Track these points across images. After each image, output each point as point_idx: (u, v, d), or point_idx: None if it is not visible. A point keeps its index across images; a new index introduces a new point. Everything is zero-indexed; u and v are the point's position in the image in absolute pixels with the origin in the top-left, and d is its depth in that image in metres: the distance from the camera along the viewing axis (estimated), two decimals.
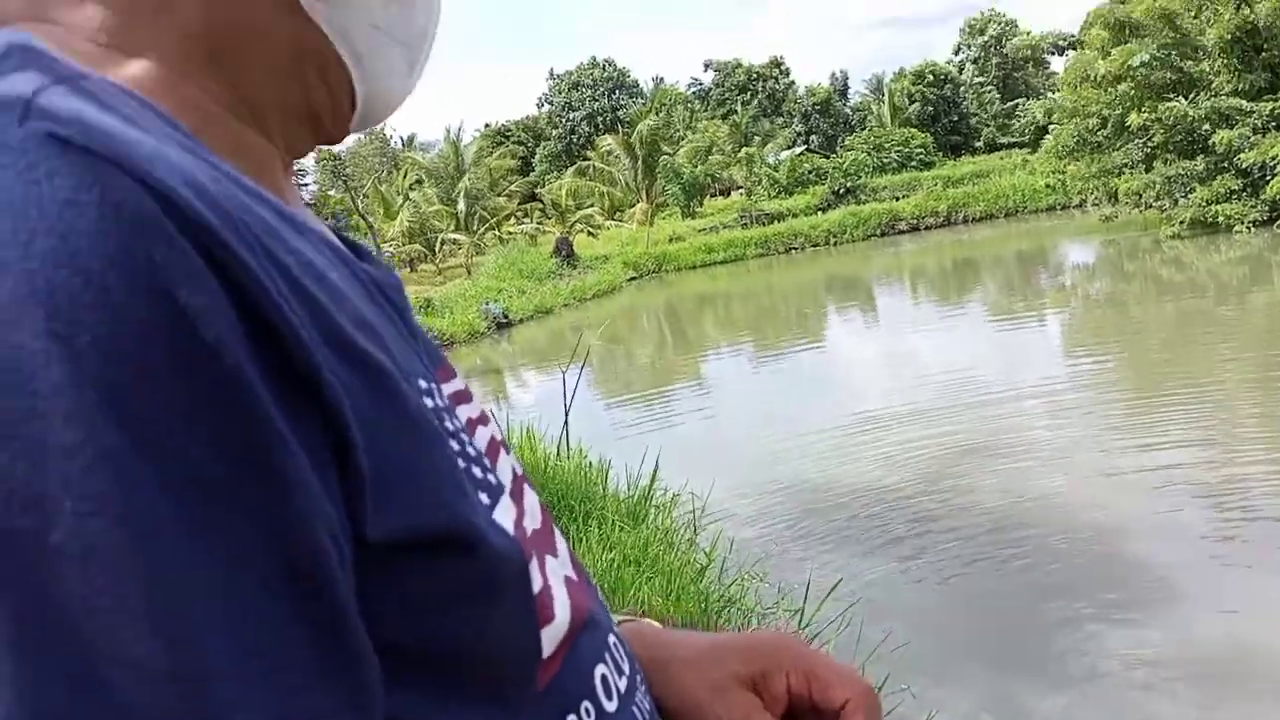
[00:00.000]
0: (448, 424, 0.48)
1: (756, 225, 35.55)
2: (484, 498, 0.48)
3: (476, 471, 0.49)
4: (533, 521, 0.54)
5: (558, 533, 0.59)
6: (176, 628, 0.32)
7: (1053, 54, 25.18)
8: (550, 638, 0.50)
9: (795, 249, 33.55)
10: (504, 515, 0.49)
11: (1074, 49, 24.00)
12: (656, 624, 0.72)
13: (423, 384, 0.47)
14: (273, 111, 0.49)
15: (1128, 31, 21.08)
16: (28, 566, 0.30)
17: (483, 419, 0.56)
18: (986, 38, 59.66)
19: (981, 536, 5.94)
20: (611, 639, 0.58)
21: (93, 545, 0.31)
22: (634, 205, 37.93)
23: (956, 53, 61.30)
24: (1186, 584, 4.97)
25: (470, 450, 0.50)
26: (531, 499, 0.55)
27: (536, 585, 0.50)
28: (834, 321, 18.67)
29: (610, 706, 0.54)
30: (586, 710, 0.52)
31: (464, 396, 0.55)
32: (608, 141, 39.21)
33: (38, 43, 0.43)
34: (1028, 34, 57.22)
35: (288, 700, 0.34)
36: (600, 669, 0.55)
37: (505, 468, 0.54)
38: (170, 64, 0.45)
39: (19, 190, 0.33)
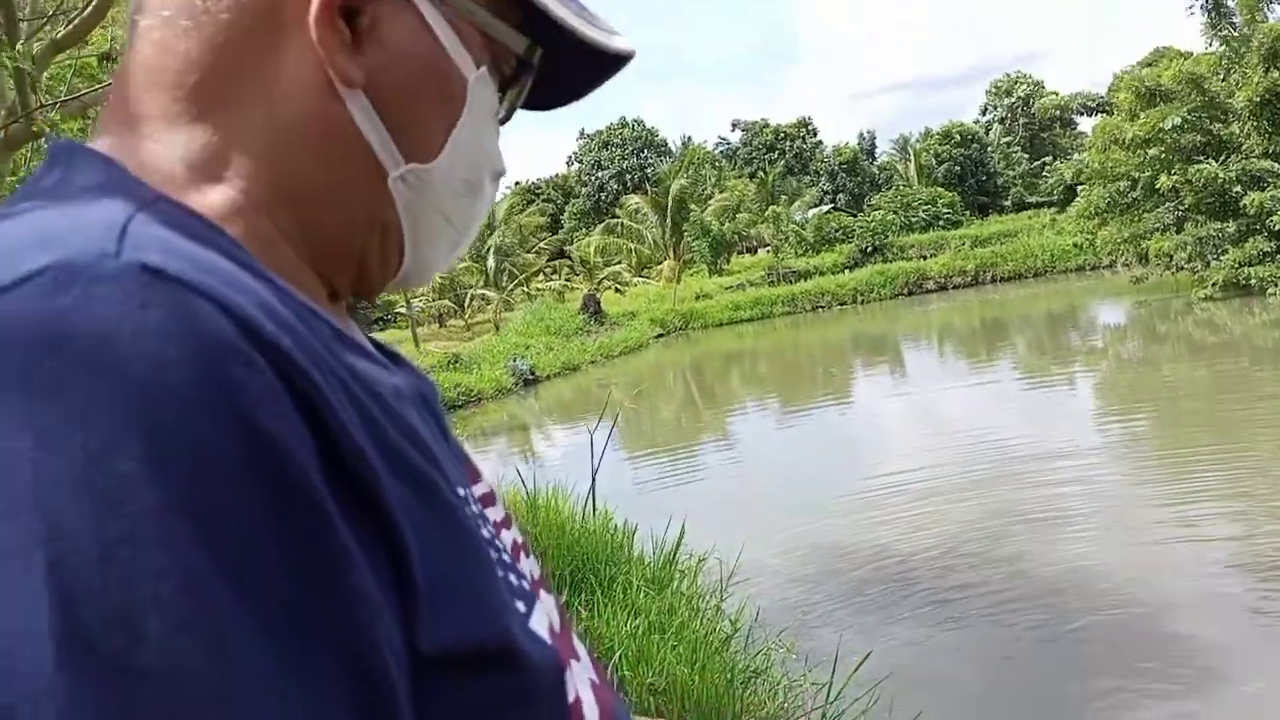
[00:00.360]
0: (484, 531, 0.49)
1: (784, 283, 35.65)
2: (520, 605, 0.49)
3: (512, 579, 0.50)
4: (556, 625, 0.55)
5: (574, 633, 0.59)
6: None
7: (1081, 114, 25.22)
8: None
9: (822, 307, 33.55)
10: (539, 623, 0.50)
11: (1102, 111, 24.02)
12: None
13: (461, 491, 0.49)
14: (330, 258, 0.52)
15: (1157, 98, 21.13)
16: (114, 684, 0.31)
17: (506, 521, 0.57)
18: (1014, 99, 60.03)
19: (1013, 604, 5.81)
20: None
21: (176, 665, 0.32)
22: (662, 262, 38.20)
23: (983, 113, 61.69)
24: (1225, 653, 4.83)
25: (505, 557, 0.51)
26: (550, 602, 0.56)
27: (571, 695, 0.51)
28: (861, 380, 18.58)
29: None
30: None
31: (490, 499, 0.57)
32: (635, 200, 39.64)
33: (121, 161, 0.46)
34: (1055, 95, 57.53)
35: None
36: None
37: (527, 571, 0.55)
38: (249, 196, 0.48)
39: (116, 320, 0.34)
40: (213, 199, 0.47)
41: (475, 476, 0.56)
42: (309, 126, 0.49)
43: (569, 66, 0.60)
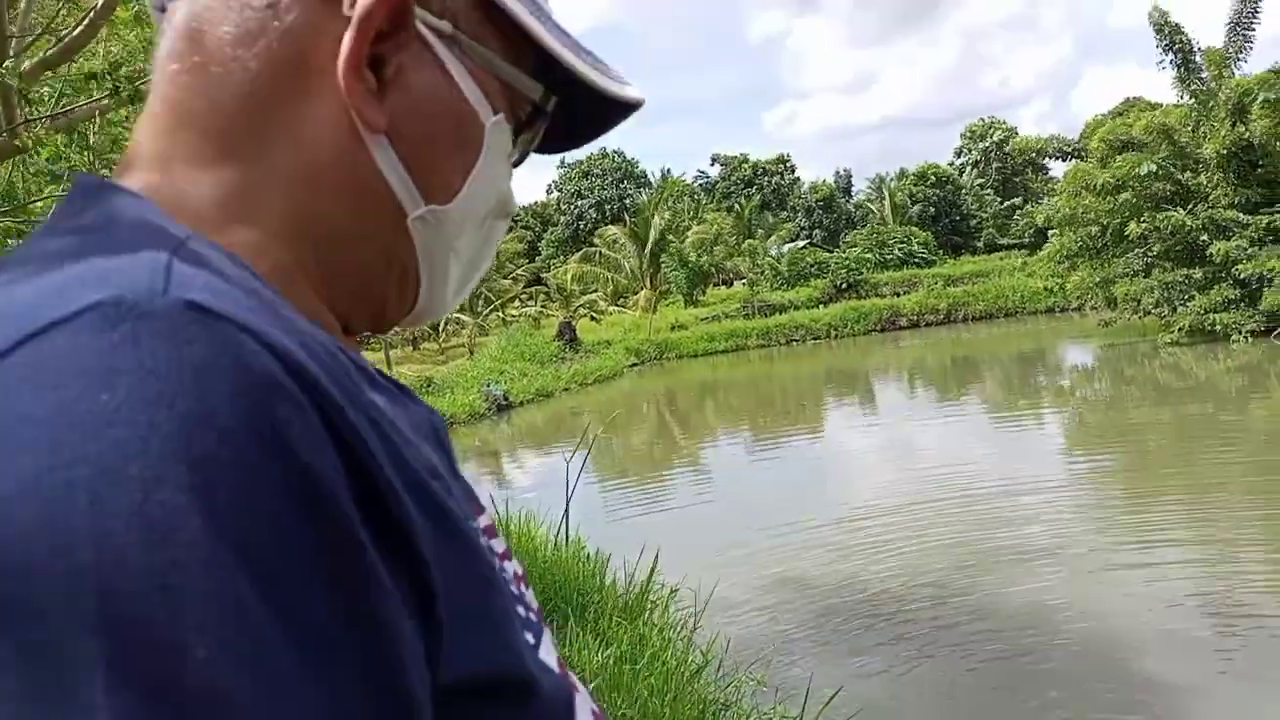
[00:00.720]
0: (494, 563, 0.50)
1: (759, 316, 35.85)
2: (529, 637, 0.50)
3: (520, 610, 0.51)
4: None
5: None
6: None
7: (1055, 158, 25.65)
8: None
9: (796, 341, 33.76)
10: (548, 653, 0.52)
11: (1076, 156, 24.47)
12: None
13: (472, 524, 0.49)
14: (349, 296, 0.54)
15: (1129, 147, 21.62)
16: (161, 708, 0.32)
17: (507, 554, 0.58)
18: (988, 143, 61.06)
19: (976, 636, 5.89)
20: None
21: (222, 691, 0.33)
22: (638, 292, 38.32)
23: (958, 155, 62.68)
24: (1187, 691, 4.92)
25: (513, 589, 0.52)
26: (548, 634, 0.58)
27: None
28: (833, 414, 18.70)
29: None
30: None
31: (492, 531, 0.58)
32: (613, 230, 39.81)
33: (149, 202, 0.47)
34: (1028, 138, 58.54)
35: None
36: None
37: (530, 602, 0.56)
38: (275, 236, 0.50)
39: (163, 355, 0.36)
40: (240, 238, 0.48)
41: (479, 509, 0.57)
42: (333, 169, 0.51)
43: (580, 113, 0.62)
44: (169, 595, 0.33)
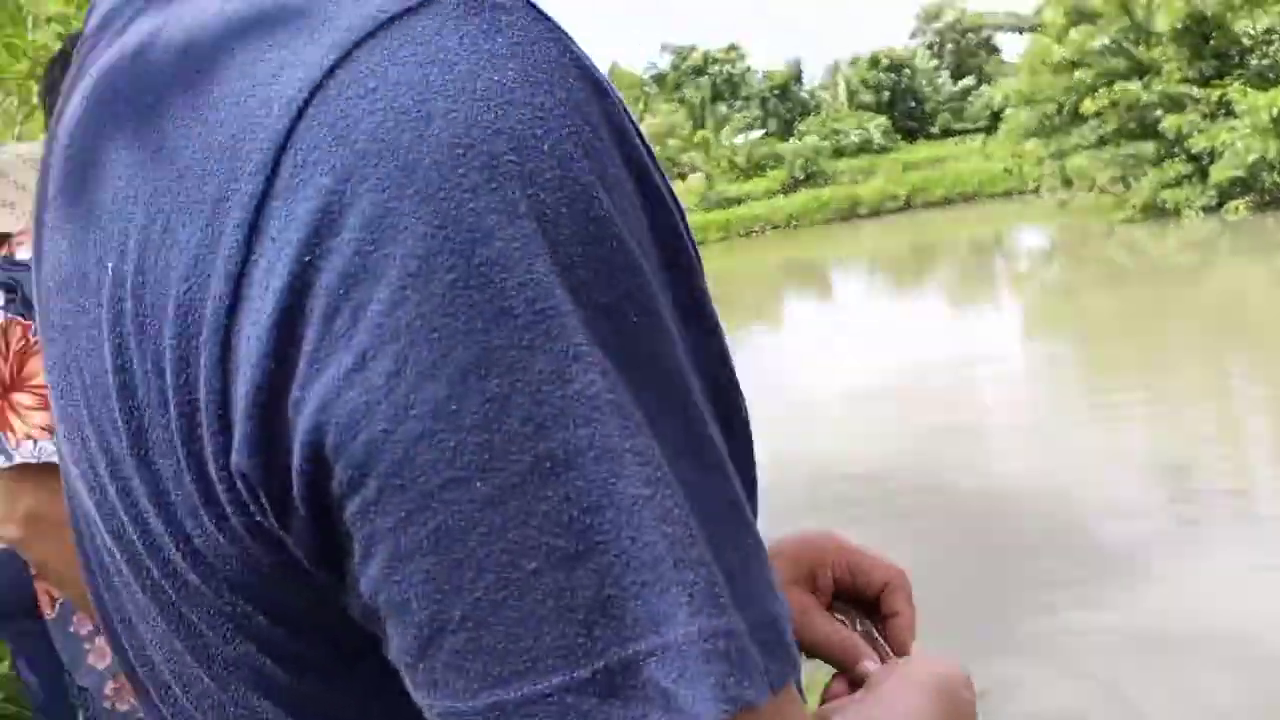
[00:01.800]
0: None
1: (718, 209, 35.67)
2: None
3: None
4: None
5: None
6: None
7: (1011, 32, 25.37)
8: None
9: (756, 232, 33.74)
10: None
11: (1032, 30, 24.29)
12: None
13: None
14: None
15: (1084, 18, 21.46)
16: (609, 330, 0.35)
17: None
18: (941, 24, 60.21)
19: (952, 516, 6.13)
20: None
21: (653, 349, 0.36)
22: None
23: (912, 38, 61.85)
24: (1144, 559, 5.17)
25: None
26: None
27: None
28: (795, 304, 18.87)
29: None
30: None
31: None
32: None
33: None
34: (981, 14, 57.79)
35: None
36: None
37: None
38: None
39: (526, 46, 0.36)
40: None
41: None
42: None
43: None
44: (607, 265, 0.35)
